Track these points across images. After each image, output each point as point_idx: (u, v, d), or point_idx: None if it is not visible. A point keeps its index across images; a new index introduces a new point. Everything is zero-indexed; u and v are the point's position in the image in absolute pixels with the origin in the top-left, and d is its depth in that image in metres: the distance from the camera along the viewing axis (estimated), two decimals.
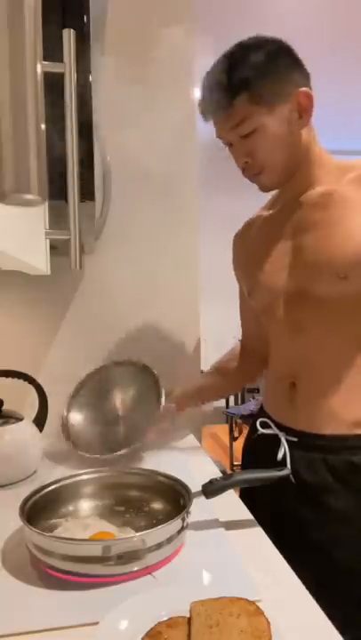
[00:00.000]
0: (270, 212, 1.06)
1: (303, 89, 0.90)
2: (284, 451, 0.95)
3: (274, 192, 1.04)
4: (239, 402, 4.60)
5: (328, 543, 0.90)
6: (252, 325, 1.17)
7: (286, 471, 0.85)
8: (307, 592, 0.66)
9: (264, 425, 1.02)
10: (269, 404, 1.06)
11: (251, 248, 1.07)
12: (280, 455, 0.94)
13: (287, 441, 0.96)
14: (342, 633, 0.58)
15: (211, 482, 0.82)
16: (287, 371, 0.98)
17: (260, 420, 1.03)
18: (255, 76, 0.87)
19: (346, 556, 0.89)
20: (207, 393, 1.30)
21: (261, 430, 1.01)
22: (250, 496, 0.97)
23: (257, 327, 1.14)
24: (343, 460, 0.90)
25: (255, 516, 0.87)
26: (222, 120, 0.92)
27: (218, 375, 1.26)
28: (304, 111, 0.90)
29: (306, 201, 0.95)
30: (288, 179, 0.96)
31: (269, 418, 1.03)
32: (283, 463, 0.94)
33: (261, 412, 1.09)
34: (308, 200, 0.94)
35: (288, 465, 0.93)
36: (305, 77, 0.92)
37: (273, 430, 1.00)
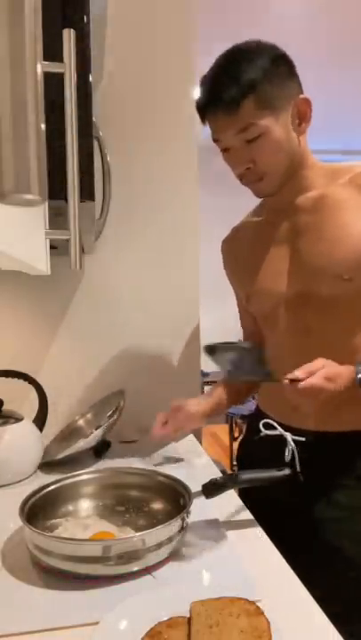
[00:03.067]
0: (261, 217, 1.06)
1: (302, 95, 0.90)
2: (291, 451, 0.94)
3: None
4: None
5: (339, 539, 0.90)
6: (254, 326, 1.17)
7: (286, 471, 0.84)
8: (307, 592, 0.66)
9: (267, 426, 1.00)
10: (270, 405, 1.05)
11: (243, 254, 1.07)
12: (287, 455, 0.94)
13: (293, 441, 0.95)
14: (344, 629, 0.58)
15: (211, 482, 0.82)
16: (289, 371, 0.97)
17: (264, 421, 1.00)
18: (262, 80, 0.85)
19: (357, 552, 0.89)
20: (224, 402, 1.21)
21: (265, 432, 1.00)
22: (249, 496, 0.96)
23: (258, 327, 1.14)
24: (350, 457, 0.91)
25: (255, 516, 0.87)
26: (226, 124, 0.89)
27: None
28: (303, 117, 0.91)
29: (300, 205, 0.95)
30: (285, 184, 0.95)
31: (270, 419, 1.01)
32: (291, 463, 0.93)
33: (259, 413, 1.07)
34: (303, 204, 0.95)
35: (297, 465, 0.92)
36: (300, 85, 0.92)
37: (278, 431, 0.98)
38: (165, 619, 0.58)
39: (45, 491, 0.84)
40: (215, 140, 0.93)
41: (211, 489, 0.81)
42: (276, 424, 0.99)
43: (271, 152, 0.89)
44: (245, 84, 0.85)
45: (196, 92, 0.96)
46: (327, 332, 0.92)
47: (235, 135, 0.89)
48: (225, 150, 0.94)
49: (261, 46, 0.89)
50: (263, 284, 1.00)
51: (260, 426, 1.01)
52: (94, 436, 1.12)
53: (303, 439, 0.94)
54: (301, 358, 0.95)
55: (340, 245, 0.88)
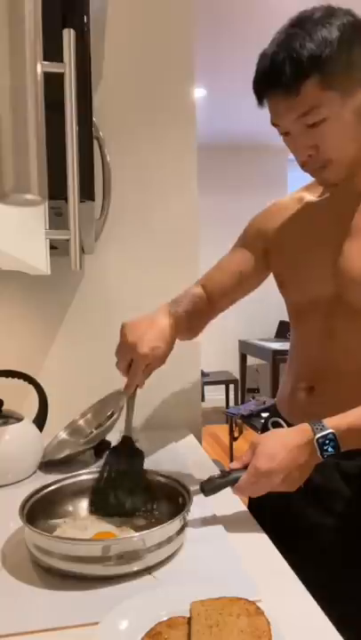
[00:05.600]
0: (318, 199, 0.96)
1: None
2: None
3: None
4: (239, 402, 4.60)
5: (338, 548, 0.89)
6: (229, 284, 1.08)
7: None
8: (307, 592, 0.66)
9: (276, 425, 0.99)
10: (284, 406, 1.03)
11: (287, 228, 1.00)
12: None
13: None
14: (344, 629, 0.58)
15: (209, 479, 0.82)
16: (308, 373, 0.96)
17: (273, 420, 1.00)
18: (328, 55, 0.73)
19: (356, 552, 0.88)
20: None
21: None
22: (254, 500, 0.96)
23: (234, 288, 1.07)
24: (356, 466, 0.89)
25: (255, 516, 0.87)
26: (286, 108, 0.78)
27: (184, 317, 1.12)
28: None
29: (359, 201, 0.87)
30: (354, 172, 0.85)
31: (284, 420, 0.99)
32: None
33: (275, 414, 1.05)
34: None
35: None
36: None
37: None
38: (165, 619, 0.58)
39: (45, 491, 0.84)
40: (273, 124, 0.84)
41: (209, 486, 0.81)
42: (284, 423, 0.99)
43: (336, 138, 0.79)
44: (307, 62, 0.73)
45: (197, 91, 0.95)
46: (352, 336, 0.89)
47: (294, 121, 0.79)
48: (285, 134, 0.84)
49: (330, 12, 0.76)
50: (306, 282, 0.95)
51: (270, 424, 1.00)
52: (94, 436, 1.12)
53: None
54: (323, 360, 0.93)
55: None
